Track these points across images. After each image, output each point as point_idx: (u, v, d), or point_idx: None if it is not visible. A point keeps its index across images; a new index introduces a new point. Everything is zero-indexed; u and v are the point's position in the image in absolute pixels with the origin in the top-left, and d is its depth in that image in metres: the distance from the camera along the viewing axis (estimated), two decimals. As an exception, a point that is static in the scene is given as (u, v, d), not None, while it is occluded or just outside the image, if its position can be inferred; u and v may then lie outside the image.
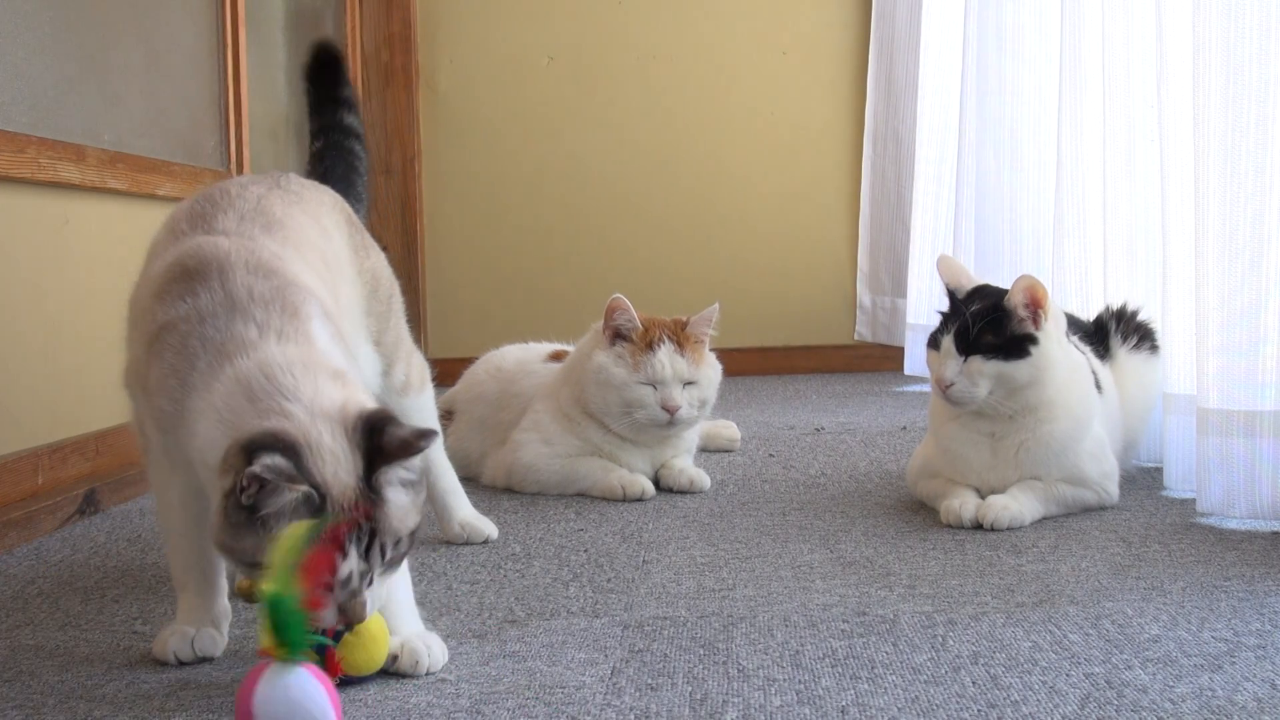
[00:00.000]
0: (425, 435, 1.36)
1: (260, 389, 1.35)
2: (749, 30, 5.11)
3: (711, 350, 2.68)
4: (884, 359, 5.02)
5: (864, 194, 5.09)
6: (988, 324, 2.22)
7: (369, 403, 1.40)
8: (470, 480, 2.72)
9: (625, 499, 2.56)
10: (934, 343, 2.29)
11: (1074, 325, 2.58)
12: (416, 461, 1.38)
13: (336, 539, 1.30)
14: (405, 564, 1.56)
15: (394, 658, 1.51)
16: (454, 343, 4.90)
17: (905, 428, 3.48)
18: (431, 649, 1.52)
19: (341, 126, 2.17)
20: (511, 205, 5.12)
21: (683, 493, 2.62)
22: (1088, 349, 2.50)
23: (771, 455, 3.07)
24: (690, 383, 2.60)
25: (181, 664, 1.58)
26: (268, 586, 1.28)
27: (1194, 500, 2.31)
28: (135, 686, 1.51)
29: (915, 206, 4.52)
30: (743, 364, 4.54)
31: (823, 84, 5.13)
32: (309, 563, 1.28)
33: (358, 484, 1.33)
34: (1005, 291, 2.24)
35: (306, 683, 1.31)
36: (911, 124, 4.64)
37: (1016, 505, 2.22)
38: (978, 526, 2.21)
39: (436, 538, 2.20)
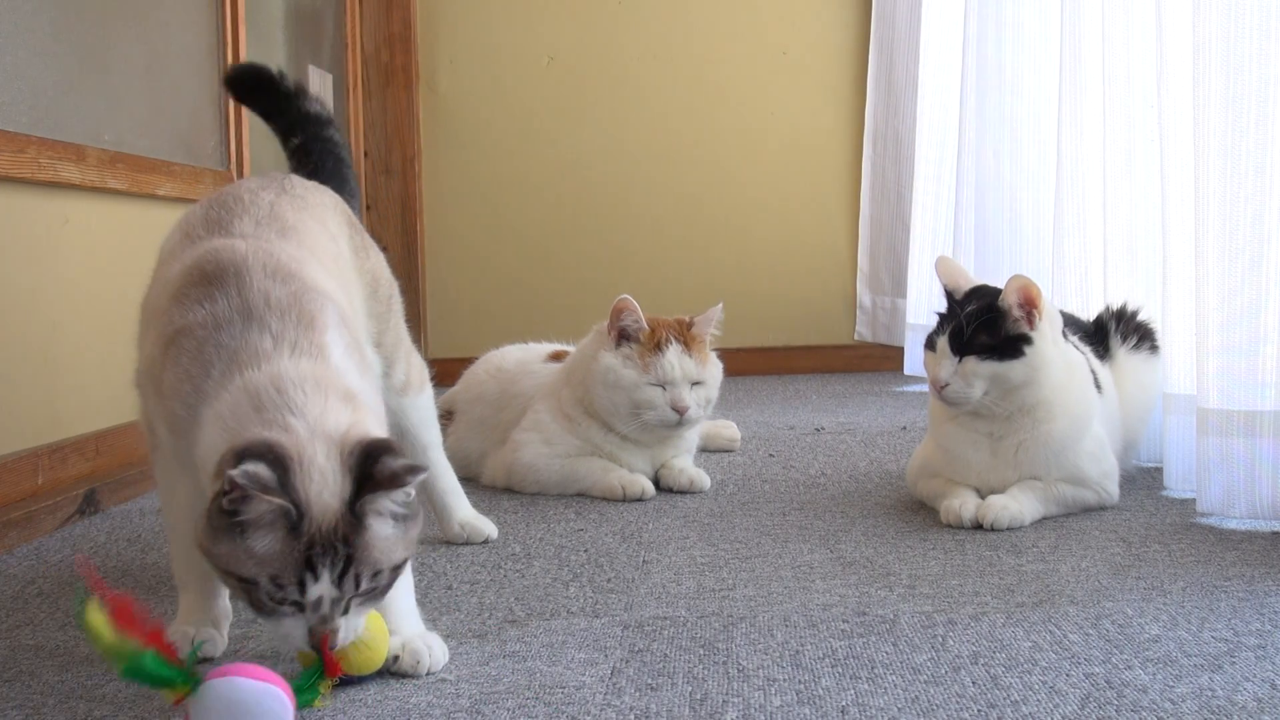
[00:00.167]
0: (414, 470, 1.34)
1: (269, 401, 1.35)
2: (749, 30, 5.11)
3: (712, 350, 2.68)
4: (884, 359, 5.02)
5: (864, 194, 5.09)
6: (982, 324, 2.22)
7: (375, 430, 1.39)
8: (470, 480, 2.72)
9: (625, 499, 2.56)
10: (930, 344, 2.29)
11: (1074, 325, 2.58)
12: (408, 493, 1.36)
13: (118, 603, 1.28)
14: (408, 566, 1.56)
15: (395, 658, 1.51)
16: (454, 343, 4.90)
17: (905, 428, 3.48)
18: (432, 649, 1.52)
19: (310, 117, 2.11)
20: (511, 205, 5.12)
21: (683, 493, 2.62)
22: (1087, 349, 2.50)
23: (771, 455, 3.07)
24: (697, 382, 2.61)
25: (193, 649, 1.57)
26: (119, 670, 1.27)
27: (1194, 500, 2.31)
28: (135, 686, 1.50)
29: (915, 206, 4.52)
30: (743, 364, 4.54)
31: (823, 84, 5.13)
32: (112, 615, 1.27)
33: (341, 507, 1.31)
34: (1000, 292, 2.24)
35: (231, 690, 1.30)
36: (911, 124, 4.65)
37: (1016, 505, 2.22)
38: (978, 526, 2.21)
39: (436, 538, 2.20)
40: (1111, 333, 2.63)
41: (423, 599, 1.78)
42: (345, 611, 1.34)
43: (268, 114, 2.13)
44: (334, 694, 1.44)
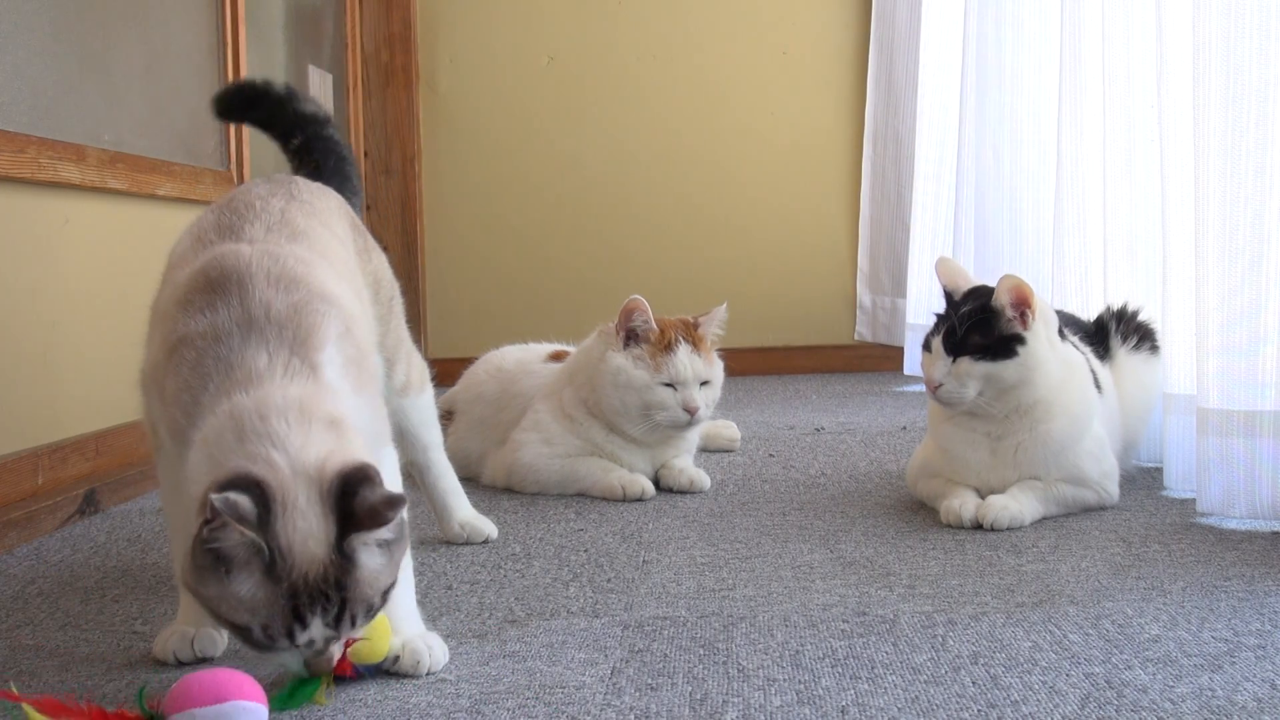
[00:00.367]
0: (394, 504, 1.32)
1: (251, 430, 1.33)
2: (749, 30, 5.11)
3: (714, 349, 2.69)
4: (884, 359, 5.02)
5: (864, 194, 5.09)
6: (975, 325, 2.22)
7: (356, 454, 1.36)
8: (470, 480, 2.72)
9: (625, 499, 2.56)
10: (927, 344, 2.30)
11: (1074, 325, 2.59)
12: (400, 518, 1.35)
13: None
14: (408, 567, 1.56)
15: (395, 658, 1.51)
16: (454, 343, 4.90)
17: (905, 428, 3.48)
18: (432, 649, 1.52)
19: (306, 117, 2.09)
20: (511, 205, 5.12)
21: (683, 493, 2.62)
22: (1087, 349, 2.50)
23: (771, 455, 3.07)
24: (705, 382, 2.61)
25: (181, 664, 1.58)
26: None
27: (1194, 500, 2.31)
28: (135, 686, 1.50)
29: (915, 206, 4.52)
30: (743, 364, 4.54)
31: (823, 84, 5.13)
32: (45, 711, 1.26)
33: (328, 553, 1.30)
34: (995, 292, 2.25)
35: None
36: (911, 124, 4.65)
37: (1016, 505, 2.22)
38: (977, 526, 2.21)
39: (436, 538, 2.20)
40: (1112, 333, 2.63)
41: (423, 599, 1.78)
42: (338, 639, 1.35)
43: (265, 124, 2.11)
44: (334, 694, 1.44)
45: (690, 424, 2.61)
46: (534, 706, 1.41)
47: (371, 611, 1.35)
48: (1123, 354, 2.61)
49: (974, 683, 1.45)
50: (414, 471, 2.10)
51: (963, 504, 2.24)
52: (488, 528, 2.22)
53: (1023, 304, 2.21)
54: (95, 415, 2.66)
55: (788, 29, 5.11)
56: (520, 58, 5.10)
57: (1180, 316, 2.43)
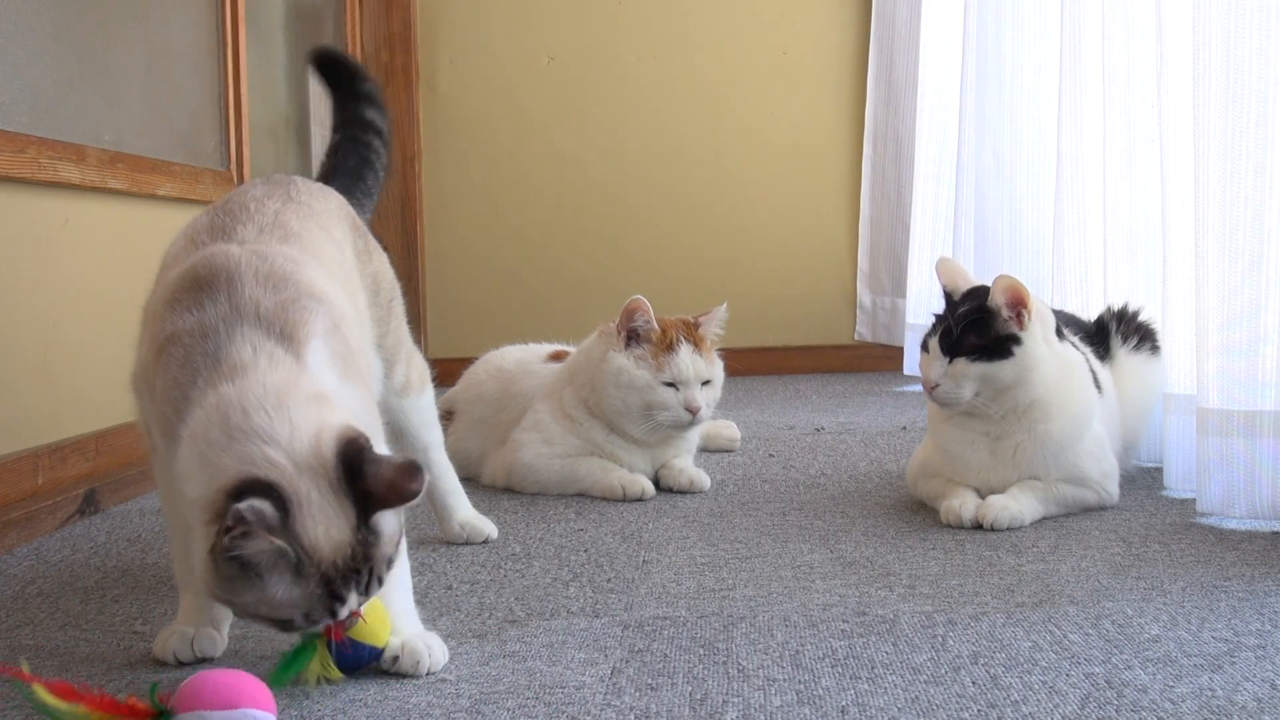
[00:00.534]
0: (413, 473, 1.34)
1: (236, 427, 1.33)
2: (749, 30, 5.11)
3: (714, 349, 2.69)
4: (884, 359, 5.02)
5: (864, 194, 5.09)
6: (971, 325, 2.22)
7: (339, 421, 1.37)
8: (470, 480, 2.72)
9: (625, 499, 2.56)
10: (924, 345, 2.30)
11: (1075, 325, 2.59)
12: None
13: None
14: (406, 568, 1.57)
15: (395, 658, 1.51)
16: (454, 343, 4.90)
17: (905, 428, 3.48)
18: (432, 649, 1.52)
19: (360, 121, 2.17)
20: (511, 205, 5.12)
21: (683, 493, 2.62)
22: (1087, 349, 2.50)
23: (771, 455, 3.07)
24: (706, 382, 2.61)
25: (181, 664, 1.58)
26: None
27: (1194, 500, 2.31)
28: (135, 686, 1.51)
29: (915, 206, 4.52)
30: (743, 364, 4.53)
31: (823, 84, 5.13)
32: (56, 694, 1.26)
33: (352, 536, 1.33)
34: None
35: None
36: (911, 124, 4.65)
37: (1016, 505, 2.22)
38: (977, 526, 2.21)
39: (436, 538, 2.20)
40: (1112, 333, 2.63)
41: (423, 599, 1.79)
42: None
43: (336, 101, 2.21)
44: (334, 694, 1.44)
45: (692, 424, 2.61)
46: (534, 706, 1.41)
47: (390, 563, 1.39)
48: (1123, 354, 2.61)
49: (974, 683, 1.45)
50: (414, 471, 2.10)
51: (963, 504, 2.24)
52: (488, 528, 2.22)
53: (1018, 304, 2.21)
54: (95, 415, 2.66)
55: (788, 29, 5.11)
56: (520, 58, 5.10)
57: (1180, 316, 2.43)
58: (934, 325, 2.29)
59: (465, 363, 3.06)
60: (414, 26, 5.01)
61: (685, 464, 2.69)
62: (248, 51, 3.53)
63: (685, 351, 2.58)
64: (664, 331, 2.60)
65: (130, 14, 2.93)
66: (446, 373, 2.70)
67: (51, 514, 2.39)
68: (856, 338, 5.14)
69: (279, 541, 1.28)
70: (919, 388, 4.30)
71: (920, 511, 2.38)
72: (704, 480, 2.65)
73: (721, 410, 2.92)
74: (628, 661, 1.56)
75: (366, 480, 1.33)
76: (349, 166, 2.13)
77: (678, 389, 2.58)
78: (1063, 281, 3.04)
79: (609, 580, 1.94)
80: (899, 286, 4.88)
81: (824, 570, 1.97)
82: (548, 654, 1.59)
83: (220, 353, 1.41)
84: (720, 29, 5.11)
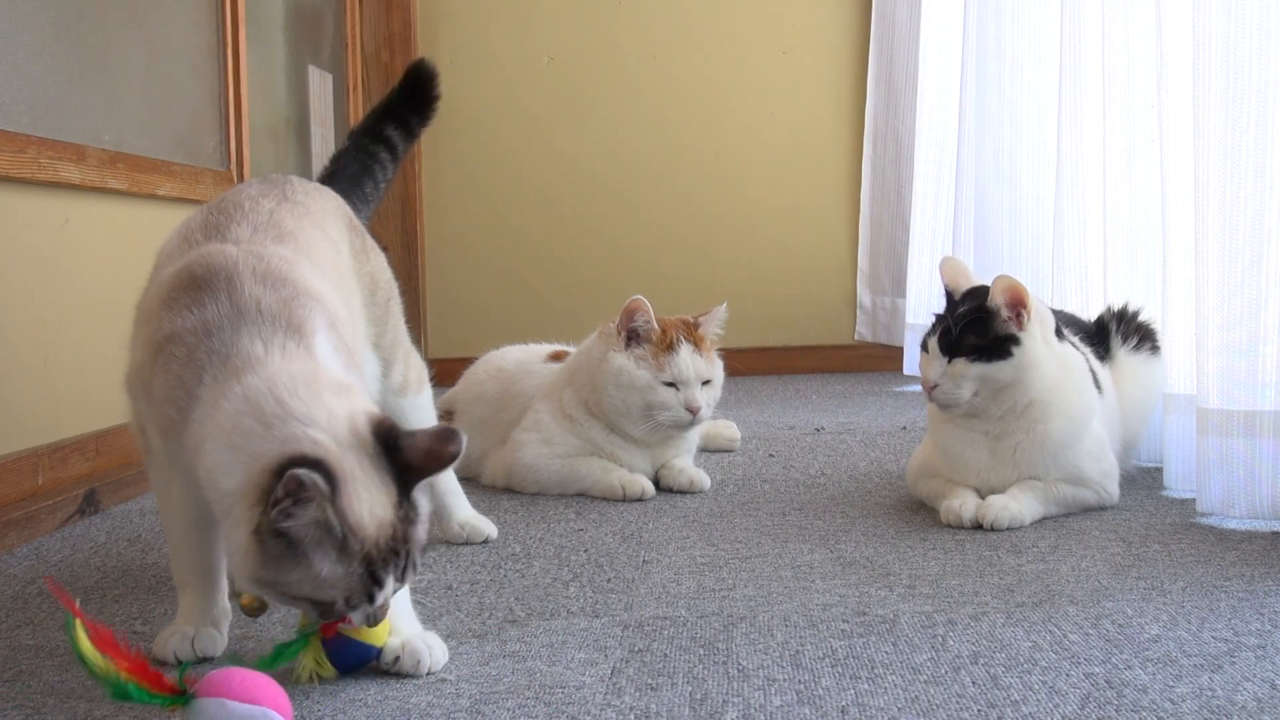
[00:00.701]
0: (449, 437, 1.37)
1: (271, 412, 1.34)
2: (749, 30, 5.11)
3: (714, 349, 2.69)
4: (884, 359, 5.02)
5: (864, 194, 5.09)
6: (970, 325, 2.22)
7: (368, 408, 1.40)
8: (470, 480, 2.72)
9: (625, 499, 2.56)
10: (924, 345, 2.30)
11: (1075, 326, 2.59)
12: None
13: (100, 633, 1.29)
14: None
15: (395, 658, 1.51)
16: (454, 343, 4.90)
17: (905, 428, 3.48)
18: (432, 649, 1.52)
19: (377, 133, 2.19)
20: (511, 205, 5.12)
21: (683, 493, 2.62)
22: (1087, 349, 2.50)
23: (771, 455, 3.07)
24: (706, 381, 2.61)
25: (182, 664, 1.57)
26: (107, 692, 1.27)
27: (1194, 500, 2.31)
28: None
29: (915, 206, 4.52)
30: (743, 364, 4.54)
31: (823, 84, 5.13)
32: (95, 641, 1.26)
33: (395, 514, 1.34)
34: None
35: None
36: (911, 124, 4.65)
37: (1016, 505, 2.22)
38: (977, 526, 2.21)
39: (436, 538, 2.20)
40: (1112, 333, 2.63)
41: (422, 599, 1.79)
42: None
43: (380, 111, 2.23)
44: (334, 694, 1.44)
45: (692, 423, 2.61)
46: (534, 706, 1.41)
47: (424, 549, 1.40)
48: (1123, 354, 2.61)
49: (974, 683, 1.45)
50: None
51: (963, 504, 2.24)
52: (488, 528, 2.22)
53: (1017, 304, 2.21)
54: (95, 415, 2.66)
55: (788, 29, 5.11)
56: (520, 58, 5.10)
57: (1180, 316, 2.43)
58: (933, 325, 2.30)
59: (465, 363, 3.06)
60: (414, 26, 5.01)
61: (685, 464, 2.69)
62: (248, 51, 3.54)
63: (685, 351, 2.58)
64: (664, 331, 2.60)
65: (130, 14, 2.93)
66: (446, 373, 2.70)
67: (51, 514, 2.39)
68: (856, 338, 5.14)
69: (329, 512, 1.29)
70: (919, 388, 4.31)
71: (920, 511, 2.37)
72: (704, 480, 2.65)
73: (721, 410, 2.92)
74: (628, 661, 1.56)
75: (404, 453, 1.35)
76: (349, 172, 2.13)
77: (678, 389, 2.58)
78: (1063, 281, 3.04)
79: (609, 580, 1.94)
80: (899, 286, 4.88)
81: (824, 570, 1.97)
82: (548, 654, 1.59)
83: (228, 349, 1.41)
84: (720, 29, 5.11)
